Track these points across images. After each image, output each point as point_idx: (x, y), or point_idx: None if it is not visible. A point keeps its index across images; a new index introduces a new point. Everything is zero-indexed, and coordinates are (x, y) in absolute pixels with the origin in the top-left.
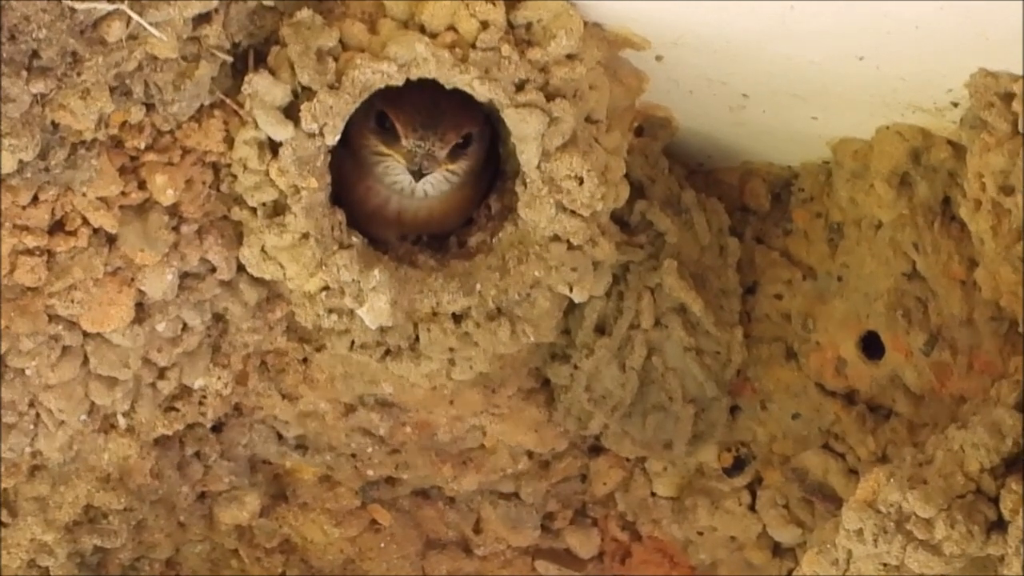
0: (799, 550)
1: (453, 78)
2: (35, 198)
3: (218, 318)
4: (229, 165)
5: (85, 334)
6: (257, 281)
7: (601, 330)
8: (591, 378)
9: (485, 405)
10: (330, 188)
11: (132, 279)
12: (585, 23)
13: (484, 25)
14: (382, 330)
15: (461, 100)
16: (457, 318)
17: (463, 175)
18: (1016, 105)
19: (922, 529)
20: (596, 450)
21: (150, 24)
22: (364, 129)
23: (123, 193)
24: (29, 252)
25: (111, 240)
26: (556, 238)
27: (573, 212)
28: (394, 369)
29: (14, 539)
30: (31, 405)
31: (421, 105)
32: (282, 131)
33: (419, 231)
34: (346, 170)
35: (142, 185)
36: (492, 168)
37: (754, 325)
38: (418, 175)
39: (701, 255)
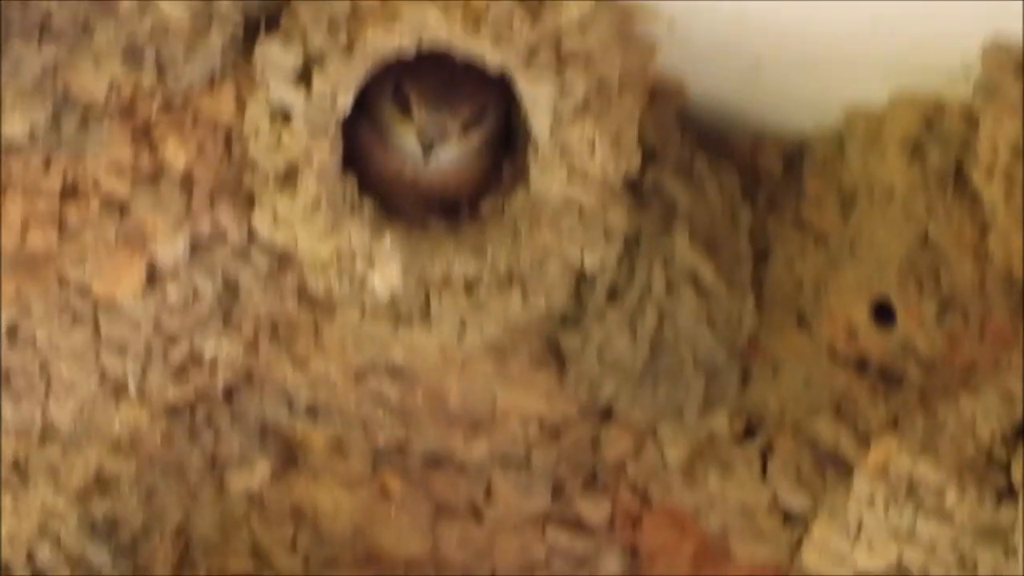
0: (810, 517)
1: (465, 45)
2: (47, 164)
3: (229, 284)
4: (241, 131)
5: (96, 301)
6: (269, 247)
7: (613, 297)
8: (602, 345)
9: (496, 372)
10: (342, 154)
11: (144, 245)
12: None
13: None
14: (393, 297)
15: (478, 74)
16: (469, 285)
17: (476, 145)
18: None
19: (933, 496)
20: (607, 417)
21: None
22: (382, 98)
23: (135, 159)
24: (40, 218)
25: (123, 206)
26: (568, 205)
27: (585, 179)
28: (405, 336)
29: (25, 505)
30: (42, 371)
31: (437, 79)
32: (294, 97)
33: (436, 195)
34: (366, 136)
35: (154, 151)
36: (507, 133)
37: (766, 292)
38: (428, 149)
39: (713, 222)
